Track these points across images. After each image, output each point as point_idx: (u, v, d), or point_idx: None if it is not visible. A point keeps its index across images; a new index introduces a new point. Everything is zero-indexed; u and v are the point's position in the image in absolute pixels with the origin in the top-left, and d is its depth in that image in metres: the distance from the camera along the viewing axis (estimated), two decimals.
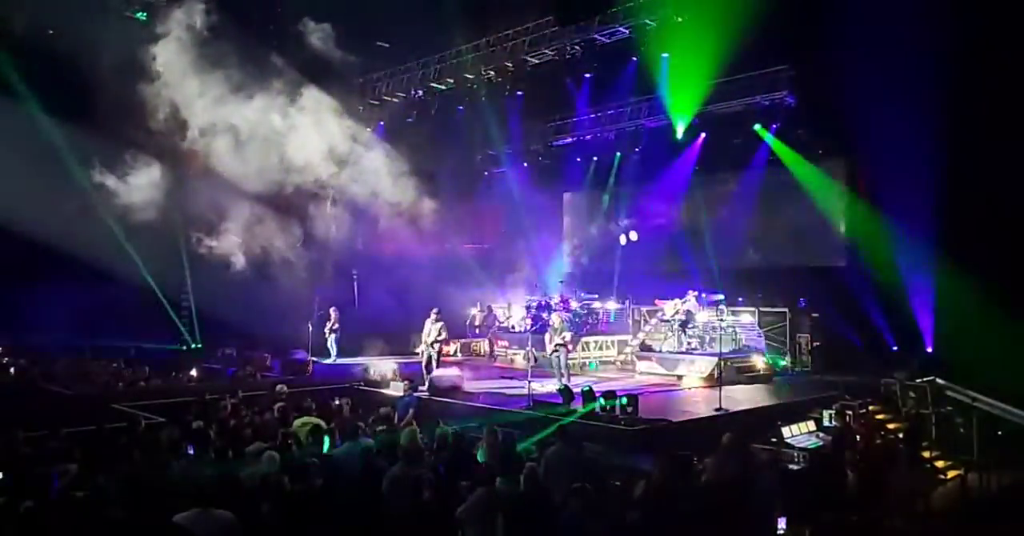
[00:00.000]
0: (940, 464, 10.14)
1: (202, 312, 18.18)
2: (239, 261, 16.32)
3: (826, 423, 10.51)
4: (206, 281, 17.60)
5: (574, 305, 18.17)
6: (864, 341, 14.54)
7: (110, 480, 5.90)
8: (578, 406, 10.62)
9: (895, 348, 14.52)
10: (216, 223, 17.03)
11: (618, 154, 19.98)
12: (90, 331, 15.95)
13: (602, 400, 10.50)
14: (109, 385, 13.74)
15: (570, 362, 13.94)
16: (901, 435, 10.57)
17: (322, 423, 8.47)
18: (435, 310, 13.98)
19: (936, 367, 12.22)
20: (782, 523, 5.08)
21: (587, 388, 11.06)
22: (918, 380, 11.73)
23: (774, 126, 16.90)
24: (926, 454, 10.22)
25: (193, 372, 14.79)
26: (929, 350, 14.16)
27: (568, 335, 13.67)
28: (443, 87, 19.10)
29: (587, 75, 18.44)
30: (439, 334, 13.79)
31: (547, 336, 13.67)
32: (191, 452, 7.25)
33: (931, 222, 13.34)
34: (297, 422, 8.58)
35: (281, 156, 15.39)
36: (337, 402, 10.49)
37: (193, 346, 17.80)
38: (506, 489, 5.83)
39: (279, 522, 5.37)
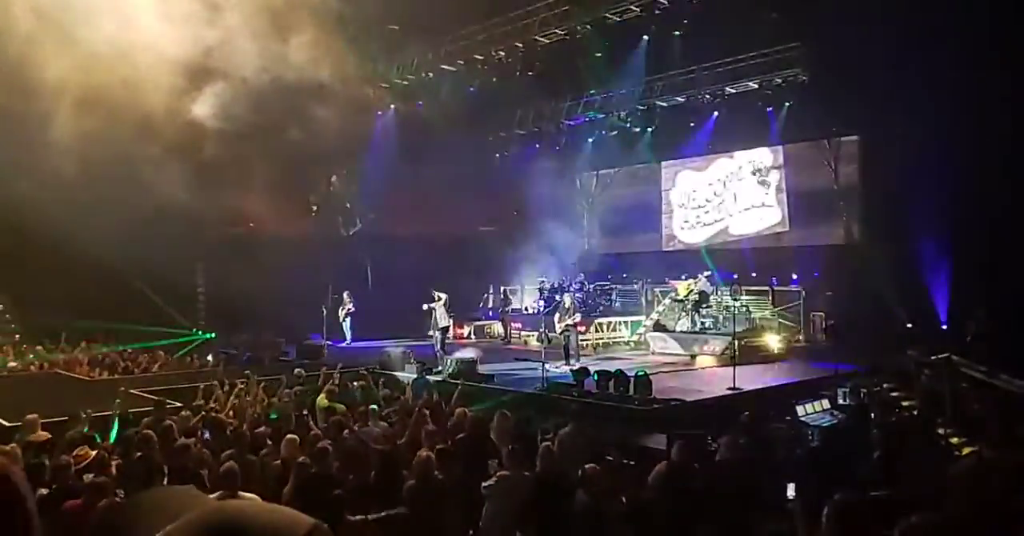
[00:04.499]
0: (955, 441, 10.09)
1: (215, 297, 18.30)
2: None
3: (840, 401, 10.48)
4: (219, 266, 17.72)
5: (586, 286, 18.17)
6: (878, 318, 14.43)
7: (129, 465, 5.99)
8: (591, 386, 10.66)
9: (909, 325, 14.42)
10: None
11: (634, 130, 19.68)
12: (105, 317, 16.10)
13: (614, 379, 10.53)
14: (127, 370, 13.92)
15: (581, 342, 13.98)
16: (916, 412, 10.52)
17: (338, 406, 8.56)
18: (439, 292, 14.06)
19: (951, 344, 12.13)
20: (791, 490, 5.02)
21: (599, 369, 11.09)
22: (933, 357, 11.64)
23: (787, 104, 16.70)
24: (941, 431, 10.17)
25: (209, 357, 14.93)
26: (944, 327, 14.06)
27: (579, 316, 13.70)
28: (453, 69, 18.98)
29: (598, 54, 18.27)
30: (447, 316, 13.96)
31: (556, 316, 13.71)
32: (208, 436, 7.34)
33: (946, 196, 13.16)
34: (319, 404, 8.71)
35: None
36: (354, 385, 10.57)
37: (208, 335, 17.92)
38: (521, 470, 5.88)
39: (302, 506, 5.43)
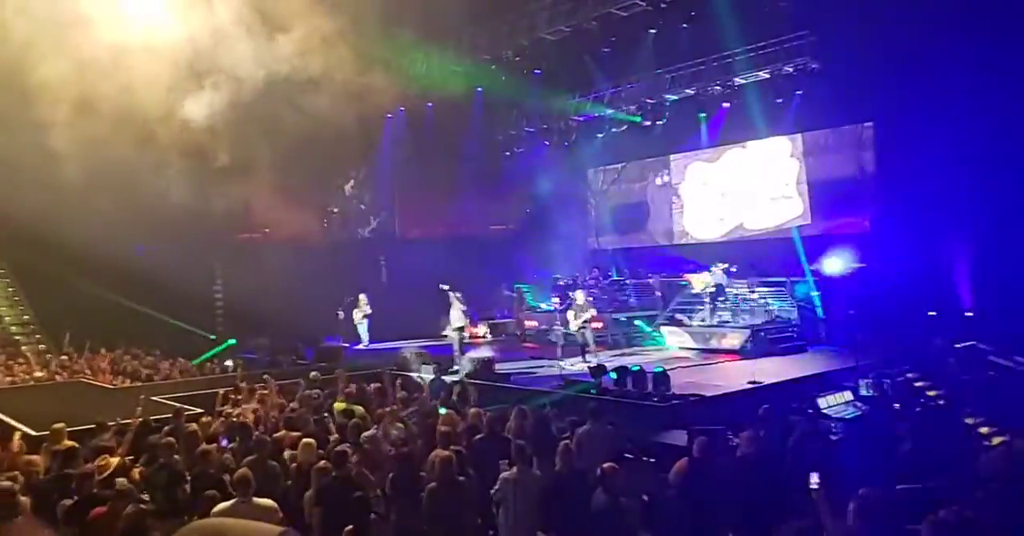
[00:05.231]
0: (984, 430, 9.94)
1: (233, 302, 18.43)
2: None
3: (863, 393, 10.35)
4: (236, 272, 17.84)
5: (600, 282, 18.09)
6: (900, 307, 14.24)
7: (152, 472, 6.04)
8: (609, 383, 10.61)
9: (932, 313, 14.21)
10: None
11: (644, 124, 19.52)
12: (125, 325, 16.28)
13: (632, 376, 10.47)
14: (148, 378, 14.02)
15: (597, 339, 13.95)
16: (941, 402, 10.38)
17: (356, 408, 8.57)
18: (451, 291, 14.03)
19: (976, 331, 11.95)
20: (815, 478, 4.93)
21: (617, 366, 11.03)
22: (958, 345, 11.47)
23: (799, 93, 16.51)
24: (969, 421, 10.02)
25: (228, 362, 15.01)
26: (968, 314, 13.84)
27: (593, 312, 13.65)
28: (461, 69, 18.97)
29: (605, 49, 18.18)
30: (463, 315, 13.96)
31: (571, 313, 13.67)
32: (228, 443, 7.37)
33: (967, 182, 12.96)
34: (336, 407, 8.73)
35: None
36: (372, 387, 10.58)
37: (230, 341, 18.03)
38: (540, 468, 5.86)
39: (324, 509, 5.44)
